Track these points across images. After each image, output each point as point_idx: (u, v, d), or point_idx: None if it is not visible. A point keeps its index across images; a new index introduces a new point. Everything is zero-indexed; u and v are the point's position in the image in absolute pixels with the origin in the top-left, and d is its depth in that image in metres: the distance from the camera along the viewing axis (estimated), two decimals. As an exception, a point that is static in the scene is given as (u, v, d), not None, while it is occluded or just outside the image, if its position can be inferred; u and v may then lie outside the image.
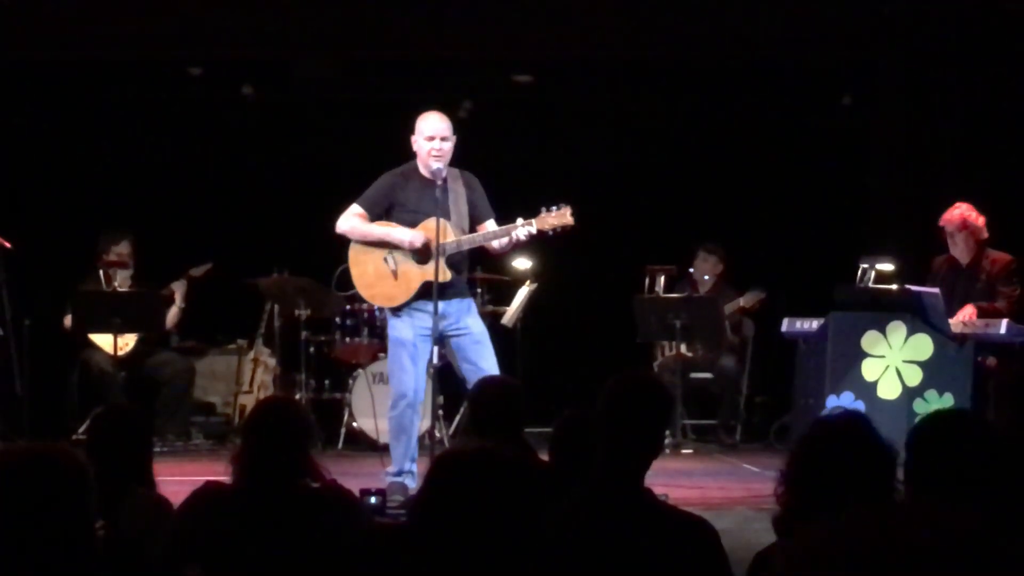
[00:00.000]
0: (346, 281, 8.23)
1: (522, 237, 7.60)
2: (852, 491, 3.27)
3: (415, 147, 7.73)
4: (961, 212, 9.38)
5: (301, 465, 4.20)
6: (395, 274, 7.74)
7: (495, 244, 7.75)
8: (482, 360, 7.59)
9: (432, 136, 7.65)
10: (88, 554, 2.83)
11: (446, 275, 7.56)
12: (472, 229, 7.76)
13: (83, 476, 2.85)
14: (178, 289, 10.67)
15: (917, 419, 3.45)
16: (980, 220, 9.37)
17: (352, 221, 7.79)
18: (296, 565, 4.02)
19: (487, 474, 2.77)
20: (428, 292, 7.62)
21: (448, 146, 7.67)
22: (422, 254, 7.68)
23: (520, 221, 7.59)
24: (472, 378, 7.16)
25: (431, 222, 7.60)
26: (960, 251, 9.41)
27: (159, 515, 4.40)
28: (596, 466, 3.93)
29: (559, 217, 7.60)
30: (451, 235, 7.60)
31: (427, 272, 7.65)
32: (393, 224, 7.75)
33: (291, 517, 4.08)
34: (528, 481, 2.82)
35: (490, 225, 7.77)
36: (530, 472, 2.84)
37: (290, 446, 4.17)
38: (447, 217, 7.62)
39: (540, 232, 7.62)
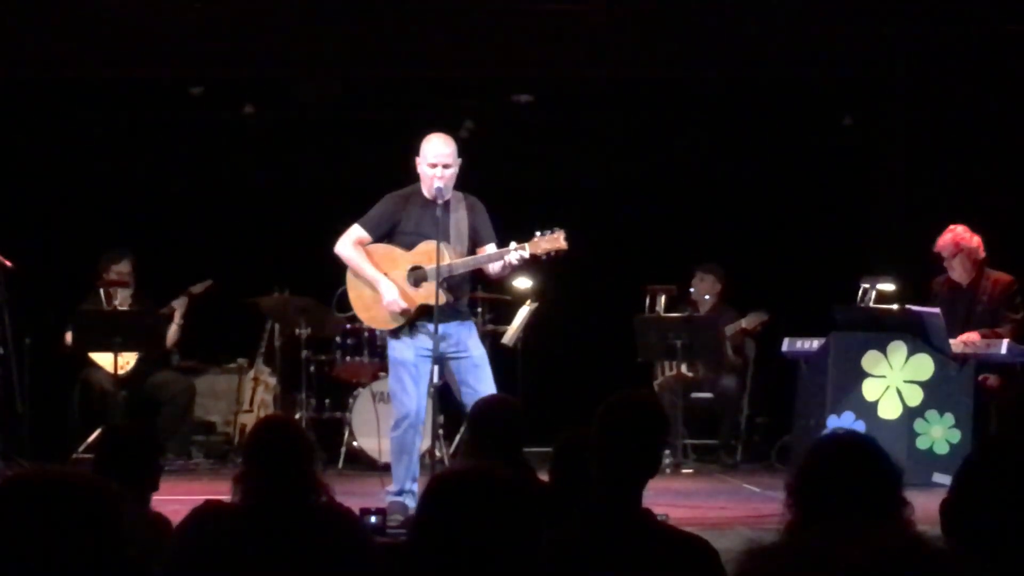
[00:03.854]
0: (345, 303, 8.24)
1: (514, 261, 7.58)
2: (858, 509, 3.27)
3: (419, 169, 7.72)
4: (953, 236, 9.37)
5: (307, 482, 4.19)
6: None
7: (491, 269, 7.73)
8: (480, 383, 7.57)
9: (435, 163, 7.63)
10: None
11: (443, 298, 7.55)
12: (471, 253, 7.75)
13: (115, 505, 2.82)
14: (178, 307, 10.66)
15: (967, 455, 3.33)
16: (975, 241, 9.36)
17: (349, 250, 7.77)
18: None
19: (484, 494, 2.76)
20: (426, 314, 7.62)
21: (449, 172, 7.64)
22: (414, 283, 7.68)
23: (513, 245, 7.58)
24: (470, 401, 7.15)
25: (429, 244, 7.60)
26: (959, 274, 9.41)
27: (157, 533, 4.40)
28: (593, 487, 3.93)
29: (552, 241, 7.59)
30: (447, 258, 7.59)
31: (421, 295, 7.65)
32: (395, 249, 7.74)
33: (293, 536, 4.07)
34: (525, 500, 2.80)
35: (490, 250, 7.76)
36: (527, 491, 2.81)
37: (294, 464, 4.17)
38: (446, 240, 7.61)
39: (533, 256, 7.60)
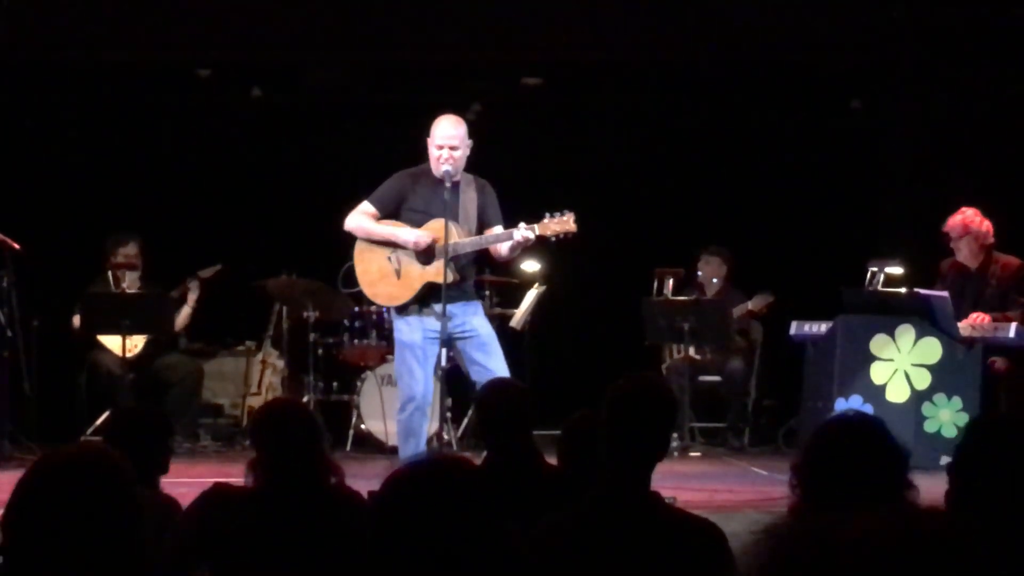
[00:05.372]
0: (351, 278, 8.24)
1: (519, 240, 7.57)
2: (864, 490, 3.27)
3: (429, 150, 7.74)
4: (963, 218, 9.36)
5: (318, 463, 4.20)
6: (398, 273, 7.75)
7: (500, 250, 7.72)
8: (490, 361, 7.58)
9: (441, 145, 7.64)
10: (139, 559, 2.80)
11: (449, 276, 7.56)
12: (479, 234, 7.76)
13: (131, 480, 2.83)
14: (192, 289, 10.66)
15: (963, 430, 3.32)
16: (985, 225, 9.35)
17: (359, 219, 7.80)
18: (307, 567, 4.01)
19: (438, 489, 2.70)
20: (432, 294, 7.62)
21: (458, 154, 7.65)
22: (425, 255, 7.68)
23: (522, 226, 7.59)
24: (481, 380, 7.15)
25: (437, 223, 7.61)
26: (965, 256, 9.40)
27: (166, 516, 4.40)
28: (601, 470, 3.93)
29: (562, 223, 7.59)
30: (455, 237, 7.60)
31: (429, 273, 7.66)
32: (400, 224, 7.76)
33: (301, 519, 4.08)
34: (482, 492, 2.73)
35: (497, 232, 7.76)
36: (484, 483, 2.74)
37: (304, 445, 4.18)
38: (454, 220, 7.62)
39: (542, 238, 7.60)
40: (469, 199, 7.74)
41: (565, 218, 7.60)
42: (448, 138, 7.65)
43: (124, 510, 2.77)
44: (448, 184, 7.58)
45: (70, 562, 2.70)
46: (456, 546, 2.59)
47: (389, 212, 7.80)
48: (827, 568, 1.46)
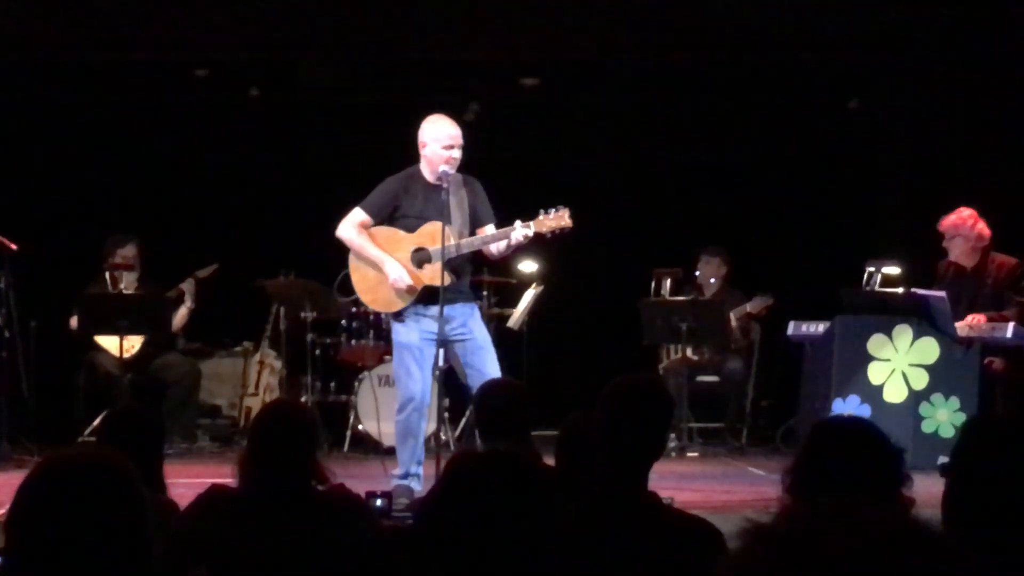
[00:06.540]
0: (348, 286, 8.24)
1: (518, 239, 7.56)
2: (856, 492, 3.27)
3: (424, 152, 7.69)
4: (957, 218, 9.37)
5: (307, 468, 4.20)
6: None
7: (493, 249, 7.71)
8: (485, 366, 7.57)
9: (451, 145, 7.61)
10: (145, 563, 2.79)
11: (446, 278, 7.55)
12: (472, 234, 7.75)
13: (138, 485, 2.83)
14: (187, 289, 10.65)
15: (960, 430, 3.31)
16: (977, 227, 9.34)
17: (351, 232, 7.77)
18: (302, 567, 4.01)
19: (500, 477, 2.75)
20: (430, 297, 7.61)
21: (460, 153, 7.66)
22: (419, 260, 7.67)
23: (518, 224, 7.57)
24: (475, 383, 7.14)
25: (432, 226, 7.59)
26: (958, 255, 9.40)
27: (164, 518, 4.40)
28: (598, 471, 3.93)
29: (557, 219, 7.58)
30: (452, 239, 7.59)
31: (425, 276, 7.64)
32: (398, 231, 7.73)
33: (298, 520, 4.08)
34: (540, 484, 2.79)
35: (490, 230, 7.75)
36: (542, 475, 2.79)
37: (296, 449, 4.17)
38: (449, 222, 7.60)
39: (538, 235, 7.59)
40: (462, 199, 7.73)
41: (560, 213, 7.58)
42: (456, 137, 7.65)
43: (131, 514, 2.77)
44: (445, 185, 7.57)
45: (75, 566, 2.70)
46: (511, 537, 2.63)
47: (382, 218, 7.77)
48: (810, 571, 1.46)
